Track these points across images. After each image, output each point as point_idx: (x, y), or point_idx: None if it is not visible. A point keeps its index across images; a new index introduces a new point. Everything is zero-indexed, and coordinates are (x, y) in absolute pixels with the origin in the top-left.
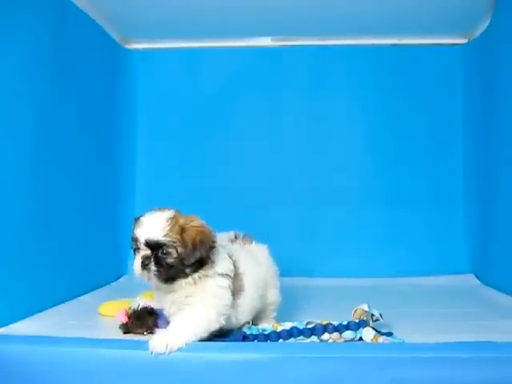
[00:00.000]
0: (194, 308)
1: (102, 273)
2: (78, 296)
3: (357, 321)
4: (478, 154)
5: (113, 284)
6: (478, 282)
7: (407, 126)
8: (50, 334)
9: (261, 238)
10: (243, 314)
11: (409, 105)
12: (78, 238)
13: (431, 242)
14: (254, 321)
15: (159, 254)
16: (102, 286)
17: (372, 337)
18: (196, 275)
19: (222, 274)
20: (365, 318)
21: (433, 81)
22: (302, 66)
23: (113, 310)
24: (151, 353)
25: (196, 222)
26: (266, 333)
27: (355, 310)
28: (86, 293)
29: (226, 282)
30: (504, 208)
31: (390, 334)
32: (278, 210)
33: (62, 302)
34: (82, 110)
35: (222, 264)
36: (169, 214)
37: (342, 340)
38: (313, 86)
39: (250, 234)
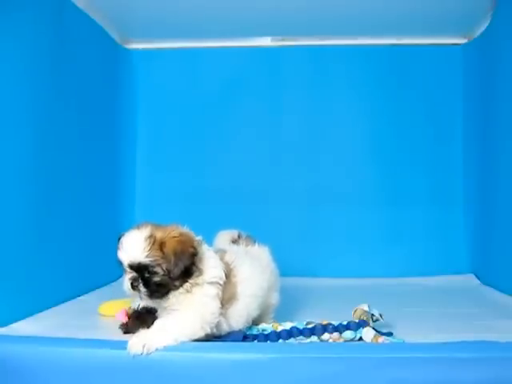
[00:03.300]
0: (181, 313)
1: (102, 273)
2: (78, 296)
3: (357, 321)
4: (478, 154)
5: (113, 284)
6: (477, 281)
7: (407, 126)
8: (50, 334)
9: (261, 238)
10: (236, 322)
11: (409, 105)
12: (78, 238)
13: (431, 242)
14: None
15: (146, 275)
16: (102, 286)
17: (372, 337)
18: (187, 285)
19: (210, 283)
20: (365, 318)
21: (433, 81)
22: (302, 66)
23: (113, 310)
24: (128, 353)
25: (174, 232)
26: (266, 333)
27: (355, 310)
28: (86, 293)
29: (214, 291)
30: (504, 208)
31: (389, 334)
32: (277, 209)
33: (62, 301)
34: (82, 110)
35: (210, 272)
36: (146, 231)
37: (341, 340)
38: (313, 86)
39: (250, 233)
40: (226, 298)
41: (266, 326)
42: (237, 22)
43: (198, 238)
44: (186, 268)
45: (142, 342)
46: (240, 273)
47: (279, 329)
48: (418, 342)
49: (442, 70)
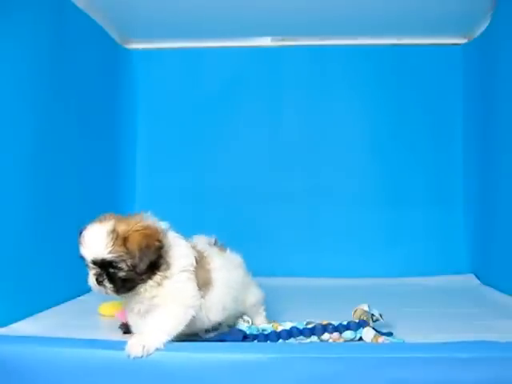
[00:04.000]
0: (163, 308)
1: None
2: (78, 296)
3: (357, 321)
4: (478, 154)
5: None
6: (477, 281)
7: (407, 126)
8: (50, 334)
9: (261, 238)
10: (214, 314)
11: (409, 105)
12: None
13: (431, 242)
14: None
15: (110, 271)
16: None
17: (372, 337)
18: (157, 277)
19: (181, 271)
20: (365, 318)
21: (433, 81)
22: (302, 65)
23: (113, 310)
24: (128, 356)
25: (138, 225)
26: (266, 333)
27: (355, 310)
28: (86, 293)
29: (185, 275)
30: (504, 208)
31: (389, 334)
32: (277, 209)
33: (62, 302)
34: (82, 110)
35: (178, 263)
36: (108, 225)
37: (341, 340)
38: (313, 85)
39: (251, 233)
40: (201, 282)
41: (266, 326)
42: (237, 21)
43: (164, 226)
44: (152, 262)
45: (141, 343)
46: (213, 261)
47: (279, 329)
48: (418, 342)
49: (442, 70)
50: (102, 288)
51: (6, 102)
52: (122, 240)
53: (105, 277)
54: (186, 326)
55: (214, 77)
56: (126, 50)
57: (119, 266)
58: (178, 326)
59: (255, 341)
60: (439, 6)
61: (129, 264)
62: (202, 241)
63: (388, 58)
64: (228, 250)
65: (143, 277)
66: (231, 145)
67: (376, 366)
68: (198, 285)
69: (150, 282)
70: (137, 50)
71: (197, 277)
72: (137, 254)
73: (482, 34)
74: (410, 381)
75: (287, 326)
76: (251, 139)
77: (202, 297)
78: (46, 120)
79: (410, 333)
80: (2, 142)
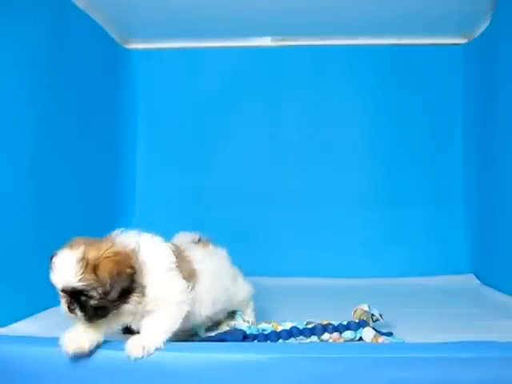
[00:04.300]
0: (159, 312)
1: None
2: None
3: (357, 321)
4: (478, 154)
5: None
6: (477, 281)
7: (407, 126)
8: (49, 334)
9: (261, 238)
10: (205, 305)
11: (409, 105)
12: None
13: (431, 242)
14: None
15: (81, 299)
16: None
17: (372, 337)
18: (132, 301)
19: (162, 274)
20: (365, 318)
21: (433, 81)
22: (302, 66)
23: None
24: (129, 357)
25: (109, 251)
26: (266, 333)
27: (355, 310)
28: None
29: (168, 275)
30: (504, 208)
31: (389, 334)
32: (277, 210)
33: None
34: (82, 110)
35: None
36: (78, 252)
37: (341, 340)
38: (313, 85)
39: (251, 233)
40: (186, 274)
41: (266, 326)
42: (237, 21)
43: (135, 241)
44: (124, 289)
45: (141, 344)
46: (193, 254)
47: (279, 329)
48: (418, 342)
49: (441, 70)
50: (73, 315)
51: (6, 101)
52: (92, 268)
53: (76, 305)
54: (181, 322)
55: (214, 77)
56: (126, 49)
57: (90, 294)
58: (173, 324)
59: (255, 341)
60: (439, 6)
61: (100, 292)
62: (184, 237)
63: (388, 58)
64: (211, 245)
65: (116, 303)
66: (231, 144)
67: (376, 366)
68: (184, 277)
69: (129, 306)
70: (137, 50)
71: (180, 270)
72: (108, 281)
73: (482, 34)
74: (410, 381)
75: (287, 326)
76: (251, 139)
77: (192, 289)
78: (46, 120)
79: (409, 333)
80: (2, 142)
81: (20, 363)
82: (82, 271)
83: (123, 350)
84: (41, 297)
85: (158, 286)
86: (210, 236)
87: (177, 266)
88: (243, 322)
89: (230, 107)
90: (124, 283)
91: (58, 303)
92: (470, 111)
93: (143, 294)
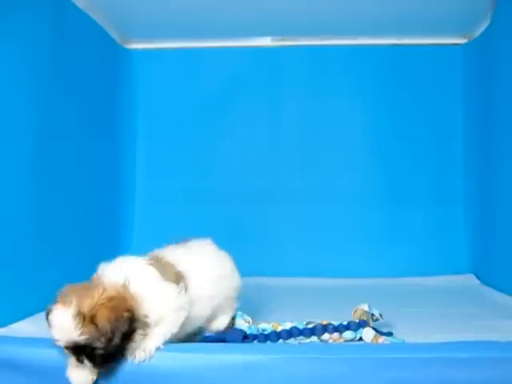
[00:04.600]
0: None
1: None
2: None
3: (357, 321)
4: (478, 154)
5: None
6: (477, 281)
7: (407, 126)
8: (50, 335)
9: (261, 238)
10: (202, 303)
11: (409, 105)
12: (78, 238)
13: (431, 241)
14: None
15: (86, 351)
16: None
17: (372, 337)
18: (137, 338)
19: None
20: (365, 318)
21: (433, 81)
22: (302, 66)
23: None
24: (132, 361)
25: (103, 297)
26: (266, 333)
27: (355, 310)
28: None
29: (161, 285)
30: (504, 208)
31: (389, 334)
32: (277, 210)
33: None
34: (82, 110)
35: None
36: (72, 307)
37: (342, 340)
38: (313, 85)
39: (251, 233)
40: (174, 279)
41: (266, 326)
42: (237, 22)
43: (123, 273)
44: (125, 332)
45: (142, 347)
46: (172, 257)
47: (279, 329)
48: (418, 342)
49: (442, 70)
50: (83, 365)
51: (6, 101)
52: (89, 319)
53: (83, 357)
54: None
55: (214, 77)
56: (126, 49)
57: (93, 345)
58: (172, 328)
59: (255, 341)
60: (439, 6)
61: (102, 341)
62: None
63: (388, 58)
64: (190, 241)
65: (121, 346)
66: (231, 144)
67: (376, 366)
68: (173, 282)
69: (133, 344)
70: (137, 50)
71: (166, 278)
72: (108, 329)
73: (482, 34)
74: (410, 381)
75: (287, 326)
76: (251, 139)
77: (186, 290)
78: (46, 120)
79: (409, 333)
80: (2, 142)
81: (20, 363)
82: (80, 325)
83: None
84: (41, 297)
85: (156, 305)
86: (210, 236)
87: (162, 277)
88: (243, 322)
89: (229, 107)
90: (124, 327)
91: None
92: (469, 111)
93: (147, 325)
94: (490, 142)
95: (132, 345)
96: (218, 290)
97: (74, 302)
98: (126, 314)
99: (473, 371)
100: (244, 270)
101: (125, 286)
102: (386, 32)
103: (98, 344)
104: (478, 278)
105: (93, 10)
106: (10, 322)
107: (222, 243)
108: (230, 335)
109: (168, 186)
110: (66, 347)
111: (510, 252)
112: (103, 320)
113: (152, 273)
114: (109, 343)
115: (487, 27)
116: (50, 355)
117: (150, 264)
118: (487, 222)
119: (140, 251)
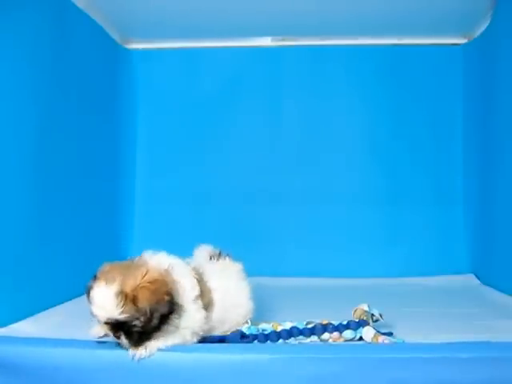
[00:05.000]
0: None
1: None
2: (78, 296)
3: (357, 320)
4: (478, 154)
5: None
6: (477, 281)
7: (407, 126)
8: (50, 335)
9: (261, 238)
10: (216, 327)
11: (409, 105)
12: (78, 238)
13: (431, 241)
14: None
15: (125, 328)
16: None
17: (372, 336)
18: (174, 321)
19: (189, 303)
20: (365, 318)
21: (433, 81)
22: (302, 66)
23: None
24: (133, 358)
25: (145, 279)
26: (266, 333)
27: (355, 310)
28: None
29: (195, 307)
30: (504, 208)
31: (390, 334)
32: (277, 209)
33: (62, 302)
34: (82, 110)
35: (186, 295)
36: (115, 286)
37: (341, 340)
38: (313, 86)
39: (251, 233)
40: (205, 303)
41: (266, 326)
42: (237, 22)
43: (167, 261)
44: (164, 315)
45: (143, 344)
46: (211, 280)
47: (279, 329)
48: (418, 342)
49: (442, 69)
50: (119, 341)
51: (7, 101)
52: (131, 299)
53: (121, 332)
54: None
55: (214, 77)
56: (126, 49)
57: (133, 323)
58: (178, 342)
59: (255, 341)
60: (439, 6)
61: (142, 320)
62: (203, 251)
63: (388, 58)
64: (228, 260)
65: (158, 327)
66: (231, 144)
67: (376, 366)
68: (204, 306)
69: (169, 327)
70: (137, 50)
71: (201, 299)
72: (148, 311)
73: (482, 34)
74: (410, 381)
75: (287, 326)
76: (251, 139)
77: (208, 317)
78: (46, 120)
79: (409, 333)
80: (3, 142)
81: (20, 363)
82: (121, 304)
83: (122, 350)
84: (41, 297)
85: (183, 316)
86: (209, 236)
87: (199, 296)
88: (244, 323)
89: (230, 107)
90: (163, 310)
91: (57, 303)
92: (469, 111)
93: (183, 310)
94: (490, 142)
95: (168, 328)
96: (231, 318)
97: (117, 281)
98: (166, 298)
99: (473, 371)
100: (244, 269)
101: (168, 271)
102: (386, 32)
103: (137, 323)
104: (478, 278)
105: (93, 10)
106: (10, 322)
107: (222, 243)
108: (230, 335)
109: (168, 185)
110: (107, 323)
111: (510, 252)
112: (144, 301)
113: (193, 286)
114: (147, 323)
115: (487, 27)
116: (50, 355)
117: (195, 276)
118: (487, 221)
119: (140, 251)
